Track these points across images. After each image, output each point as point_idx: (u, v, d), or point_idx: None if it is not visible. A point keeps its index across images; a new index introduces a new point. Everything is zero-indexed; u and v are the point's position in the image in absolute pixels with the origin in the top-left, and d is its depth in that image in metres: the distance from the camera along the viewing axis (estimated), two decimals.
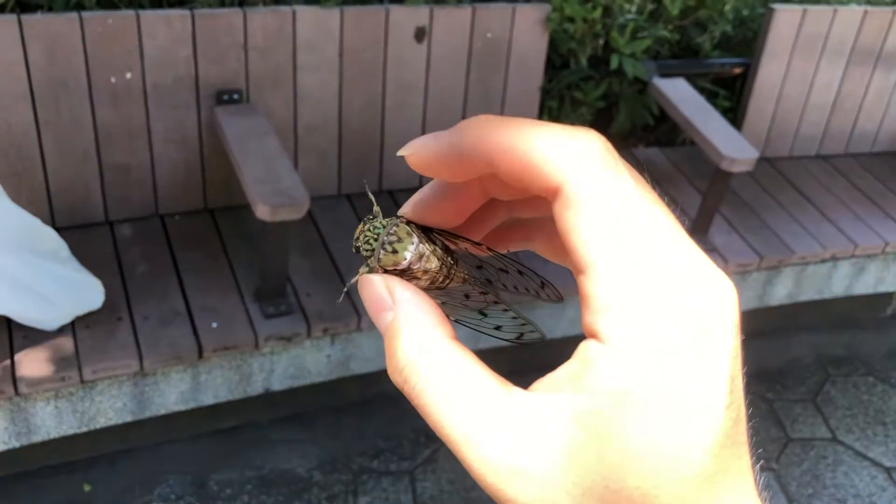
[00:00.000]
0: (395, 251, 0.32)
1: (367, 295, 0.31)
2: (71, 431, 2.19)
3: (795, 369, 3.05)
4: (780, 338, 3.16)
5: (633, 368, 0.25)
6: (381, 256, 0.33)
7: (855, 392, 2.99)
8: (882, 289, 3.26)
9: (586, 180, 0.26)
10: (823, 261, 3.01)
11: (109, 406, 2.19)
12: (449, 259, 0.34)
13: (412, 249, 0.33)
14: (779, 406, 2.88)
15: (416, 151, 0.30)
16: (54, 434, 2.17)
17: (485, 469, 0.26)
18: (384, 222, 0.33)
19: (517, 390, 0.27)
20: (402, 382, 0.29)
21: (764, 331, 3.11)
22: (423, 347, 0.29)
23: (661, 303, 0.26)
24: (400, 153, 0.31)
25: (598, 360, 0.26)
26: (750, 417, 0.28)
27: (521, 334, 0.36)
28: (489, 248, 0.34)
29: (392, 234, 0.33)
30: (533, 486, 0.26)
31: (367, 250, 0.33)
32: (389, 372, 0.30)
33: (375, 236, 0.33)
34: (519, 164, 0.27)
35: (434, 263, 0.33)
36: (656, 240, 0.26)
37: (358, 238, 0.34)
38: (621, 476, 0.25)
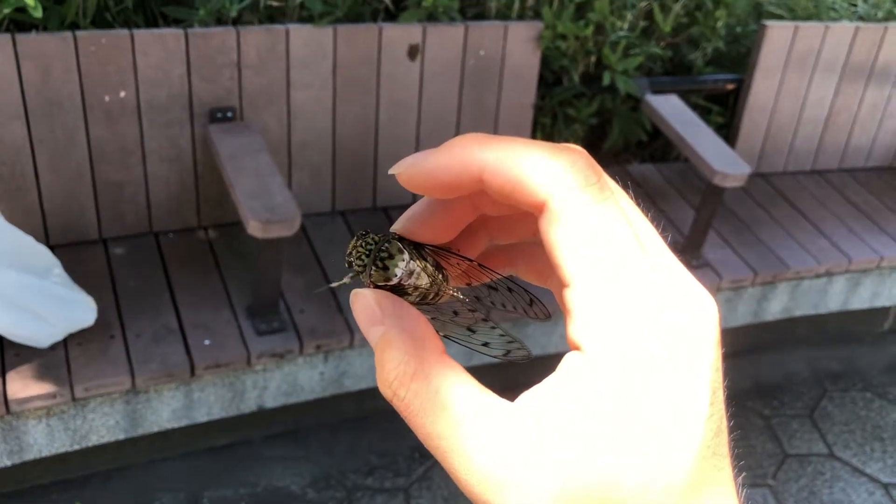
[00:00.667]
0: (386, 267, 0.33)
1: (358, 309, 0.32)
2: (63, 449, 2.18)
3: (792, 385, 3.05)
4: (776, 353, 3.16)
5: (612, 380, 0.26)
6: (372, 272, 0.33)
7: (852, 407, 2.98)
8: (878, 303, 3.27)
9: (568, 197, 0.27)
10: (818, 276, 3.01)
11: (102, 424, 2.17)
12: (439, 276, 0.34)
13: (403, 266, 0.33)
14: (775, 422, 2.87)
15: (407, 170, 0.30)
16: (46, 452, 2.16)
17: (472, 480, 0.27)
18: (377, 238, 0.34)
19: (504, 403, 0.28)
20: (392, 395, 0.29)
21: (760, 346, 3.11)
22: (412, 361, 0.29)
23: (638, 315, 0.26)
24: (391, 172, 0.31)
25: (579, 372, 0.26)
26: (731, 430, 0.28)
27: (508, 351, 0.36)
28: (480, 265, 0.35)
29: (384, 251, 0.33)
30: (519, 497, 0.26)
31: (359, 266, 0.34)
32: (379, 385, 0.30)
33: (367, 252, 0.34)
34: (507, 181, 0.28)
35: (424, 280, 0.34)
36: (635, 254, 0.27)
37: (350, 253, 0.34)
38: (605, 486, 0.25)
